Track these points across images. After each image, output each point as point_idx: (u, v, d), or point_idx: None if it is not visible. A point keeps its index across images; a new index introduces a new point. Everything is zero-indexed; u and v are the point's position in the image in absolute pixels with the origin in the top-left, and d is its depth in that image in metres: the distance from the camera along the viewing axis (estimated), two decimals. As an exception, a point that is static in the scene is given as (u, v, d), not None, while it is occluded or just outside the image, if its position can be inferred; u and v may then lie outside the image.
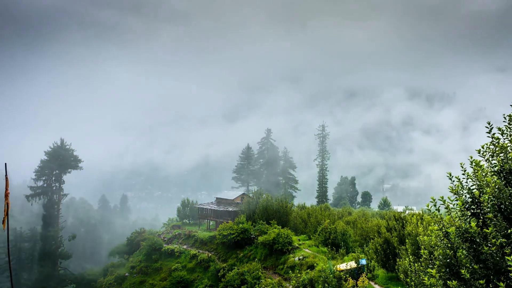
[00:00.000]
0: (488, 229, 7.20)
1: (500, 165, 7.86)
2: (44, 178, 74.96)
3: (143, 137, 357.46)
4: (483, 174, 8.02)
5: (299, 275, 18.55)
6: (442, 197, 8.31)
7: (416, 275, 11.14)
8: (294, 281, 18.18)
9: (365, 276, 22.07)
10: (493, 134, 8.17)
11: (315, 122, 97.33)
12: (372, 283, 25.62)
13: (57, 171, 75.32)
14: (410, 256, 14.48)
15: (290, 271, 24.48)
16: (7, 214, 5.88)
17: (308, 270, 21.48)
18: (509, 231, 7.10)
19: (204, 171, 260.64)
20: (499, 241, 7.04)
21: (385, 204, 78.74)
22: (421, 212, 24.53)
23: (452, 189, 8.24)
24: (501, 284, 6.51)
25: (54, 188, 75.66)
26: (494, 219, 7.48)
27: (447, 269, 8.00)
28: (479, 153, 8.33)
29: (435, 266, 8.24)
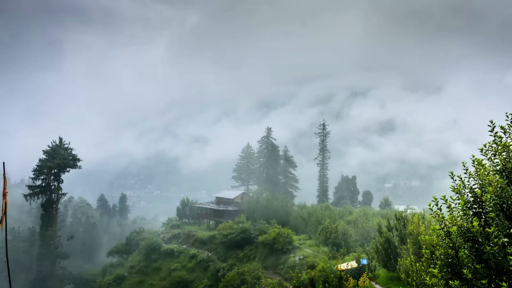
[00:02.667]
0: (490, 229, 7.15)
1: (503, 164, 7.82)
2: (42, 177, 74.87)
3: (144, 136, 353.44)
4: (485, 173, 7.97)
5: (299, 275, 18.49)
6: (444, 196, 8.27)
7: (417, 275, 11.10)
8: (294, 281, 18.12)
9: (366, 276, 22.02)
10: (496, 132, 8.12)
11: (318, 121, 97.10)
12: (373, 283, 25.60)
13: (55, 170, 75.24)
14: (412, 256, 14.46)
15: (291, 271, 24.45)
16: (5, 214, 5.81)
17: (309, 270, 21.44)
18: (511, 230, 7.06)
19: (205, 170, 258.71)
20: (501, 240, 7.00)
21: (386, 203, 78.78)
22: (422, 211, 24.49)
23: (454, 188, 8.19)
24: (504, 284, 6.46)
25: (53, 187, 75.58)
26: (496, 219, 7.44)
27: (449, 269, 7.95)
28: (481, 151, 8.29)
29: (437, 266, 8.19)
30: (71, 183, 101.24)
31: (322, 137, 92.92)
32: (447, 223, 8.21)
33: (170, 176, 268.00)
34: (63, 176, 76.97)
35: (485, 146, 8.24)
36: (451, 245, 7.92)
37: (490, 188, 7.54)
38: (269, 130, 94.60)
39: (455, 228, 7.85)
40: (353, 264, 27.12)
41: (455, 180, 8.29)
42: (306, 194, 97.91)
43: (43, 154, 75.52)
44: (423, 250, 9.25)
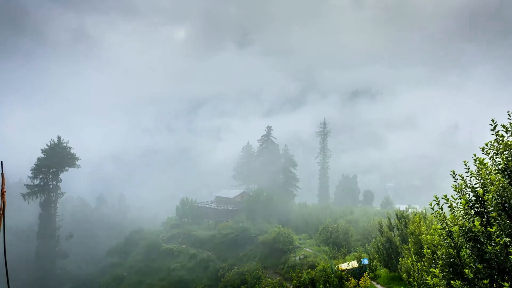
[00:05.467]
0: (492, 228, 7.10)
1: (505, 163, 7.77)
2: (41, 176, 74.82)
3: (146, 132, 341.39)
4: (487, 172, 7.92)
5: (300, 274, 18.47)
6: (445, 196, 8.21)
7: (418, 274, 11.06)
8: (295, 281, 18.11)
9: (367, 276, 21.97)
10: (497, 131, 8.07)
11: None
12: (374, 283, 25.56)
13: (54, 169, 75.19)
14: (413, 256, 14.39)
15: (291, 271, 24.43)
16: (3, 213, 5.72)
17: (309, 270, 21.41)
18: (513, 230, 7.01)
19: (206, 168, 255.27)
20: (503, 240, 6.94)
21: (387, 202, 78.78)
22: (424, 210, 24.44)
23: (456, 187, 8.14)
24: (506, 284, 6.41)
25: (51, 186, 75.55)
26: (498, 218, 7.38)
27: (451, 269, 7.90)
28: (483, 150, 8.23)
29: (438, 266, 8.14)
30: (70, 183, 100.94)
31: (322, 136, 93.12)
32: (448, 222, 8.17)
33: (170, 175, 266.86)
34: (62, 175, 76.96)
35: (486, 145, 8.19)
36: (452, 244, 7.87)
37: (492, 187, 7.49)
38: (269, 128, 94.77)
39: (456, 227, 7.81)
40: (354, 264, 27.10)
41: (457, 179, 8.23)
42: (308, 193, 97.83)
43: (42, 153, 75.47)
44: (425, 250, 9.19)
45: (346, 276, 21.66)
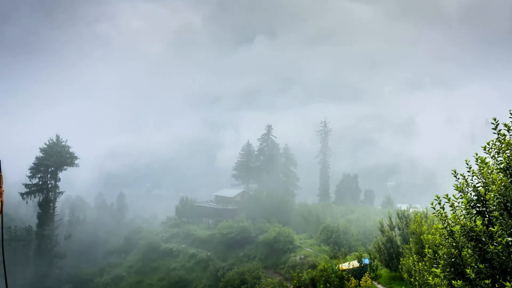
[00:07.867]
0: (494, 228, 7.06)
1: (506, 162, 7.73)
2: (39, 176, 74.60)
3: (145, 130, 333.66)
4: (489, 171, 7.87)
5: (300, 274, 18.46)
6: (447, 195, 8.16)
7: (420, 274, 11.01)
8: (295, 281, 18.09)
9: (368, 276, 21.92)
10: (499, 130, 8.02)
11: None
12: (375, 283, 25.53)
13: (52, 168, 74.99)
14: (414, 255, 14.34)
15: (291, 271, 24.42)
16: (1, 212, 5.65)
17: (310, 270, 21.40)
18: (516, 229, 6.96)
19: (206, 167, 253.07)
20: (505, 240, 6.90)
21: (388, 202, 78.59)
22: (425, 210, 24.42)
23: (457, 186, 8.09)
24: (507, 284, 6.35)
25: (50, 185, 75.34)
26: (500, 218, 7.34)
27: (452, 269, 7.86)
28: (484, 149, 8.18)
29: (440, 266, 8.10)
30: (69, 182, 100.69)
31: (323, 135, 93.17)
32: (450, 222, 8.11)
33: (170, 174, 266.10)
34: (60, 174, 76.75)
35: (488, 144, 8.14)
36: (454, 244, 7.82)
37: (494, 186, 7.44)
38: (269, 127, 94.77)
39: (458, 227, 7.76)
40: (355, 263, 27.05)
41: (458, 178, 8.18)
42: (308, 192, 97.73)
43: (40, 152, 75.23)
44: (426, 250, 9.15)
45: (347, 276, 21.61)
